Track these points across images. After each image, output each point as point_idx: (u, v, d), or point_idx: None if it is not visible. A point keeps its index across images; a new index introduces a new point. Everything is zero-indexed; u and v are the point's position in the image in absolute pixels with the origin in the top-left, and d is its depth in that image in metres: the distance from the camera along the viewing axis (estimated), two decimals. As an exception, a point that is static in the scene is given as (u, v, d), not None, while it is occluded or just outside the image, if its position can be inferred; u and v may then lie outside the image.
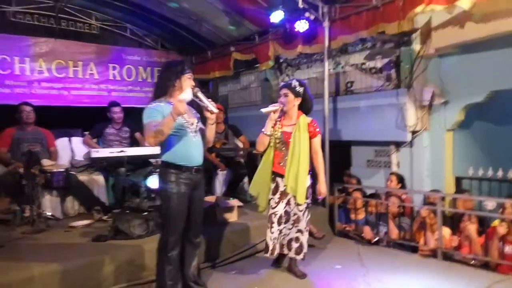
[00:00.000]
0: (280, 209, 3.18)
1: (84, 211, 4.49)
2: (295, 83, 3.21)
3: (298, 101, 3.21)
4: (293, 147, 3.14)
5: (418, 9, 3.73)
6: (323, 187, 3.28)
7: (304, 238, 3.27)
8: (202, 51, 6.99)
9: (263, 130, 3.16)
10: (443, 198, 4.09)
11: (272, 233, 3.19)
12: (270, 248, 3.20)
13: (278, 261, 3.47)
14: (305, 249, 3.28)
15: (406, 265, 3.60)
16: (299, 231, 3.24)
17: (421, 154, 4.75)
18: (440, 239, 3.69)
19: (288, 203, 3.20)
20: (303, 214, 3.23)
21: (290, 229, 3.25)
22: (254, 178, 3.33)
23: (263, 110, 3.15)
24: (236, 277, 3.38)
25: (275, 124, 3.17)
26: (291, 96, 3.17)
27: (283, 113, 3.23)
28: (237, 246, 3.79)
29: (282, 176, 3.18)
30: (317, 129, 3.25)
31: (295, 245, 3.26)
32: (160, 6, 5.91)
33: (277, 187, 3.20)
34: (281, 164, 3.19)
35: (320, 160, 3.28)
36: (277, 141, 3.18)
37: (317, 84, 5.79)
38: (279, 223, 3.19)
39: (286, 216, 3.22)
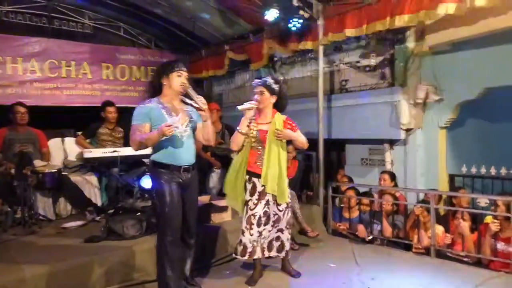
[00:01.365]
0: (259, 210, 3.09)
1: (77, 212, 4.46)
2: (270, 80, 3.14)
3: (273, 99, 3.15)
4: (270, 146, 3.07)
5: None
6: (286, 131, 3.10)
7: (285, 236, 3.22)
8: (196, 50, 6.96)
9: (238, 128, 3.09)
10: (440, 197, 4.10)
11: (252, 235, 3.09)
12: (249, 250, 3.10)
13: (252, 275, 3.25)
14: (286, 247, 3.25)
15: (400, 263, 3.61)
16: (280, 230, 3.20)
17: (415, 152, 4.76)
18: (433, 236, 3.69)
19: (267, 204, 3.12)
20: (283, 213, 3.18)
21: (270, 231, 3.18)
22: (228, 177, 3.23)
23: (239, 107, 3.08)
24: (230, 277, 3.37)
25: (250, 123, 3.11)
26: (266, 94, 3.11)
27: (257, 112, 3.16)
28: (231, 246, 3.77)
29: (258, 176, 3.09)
30: (294, 125, 3.18)
31: (276, 244, 3.23)
32: (153, 4, 5.88)
33: (254, 187, 3.10)
34: (257, 164, 3.11)
35: (303, 138, 3.18)
36: (253, 140, 3.11)
37: (311, 82, 5.79)
38: (258, 225, 3.10)
39: (265, 217, 3.13)
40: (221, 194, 4.84)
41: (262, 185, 3.09)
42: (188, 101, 2.77)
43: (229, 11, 5.65)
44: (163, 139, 2.59)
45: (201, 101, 2.73)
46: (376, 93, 4.96)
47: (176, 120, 2.62)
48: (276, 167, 3.08)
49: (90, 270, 2.94)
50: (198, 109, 2.75)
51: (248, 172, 3.13)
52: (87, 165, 4.77)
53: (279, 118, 3.16)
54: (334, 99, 5.42)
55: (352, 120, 5.14)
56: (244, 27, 5.87)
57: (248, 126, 3.11)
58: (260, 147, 3.12)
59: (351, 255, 3.80)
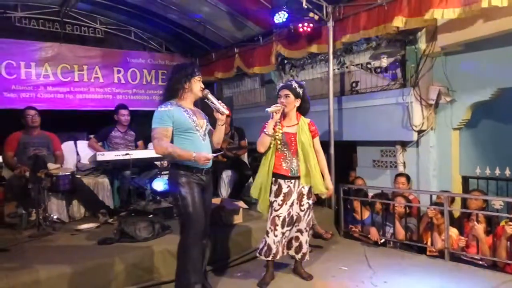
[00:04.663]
0: (284, 212, 3.14)
1: (90, 214, 4.51)
2: (295, 84, 3.22)
3: (298, 102, 3.21)
4: (303, 147, 3.14)
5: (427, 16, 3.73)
6: (330, 183, 3.32)
7: (304, 238, 3.27)
8: (206, 53, 7.00)
9: (265, 130, 3.11)
10: (453, 199, 4.04)
11: (276, 236, 3.14)
12: (274, 251, 3.15)
13: (264, 277, 3.29)
14: (304, 249, 3.28)
15: (413, 266, 3.57)
16: (299, 230, 3.26)
17: (427, 153, 4.71)
18: (447, 239, 3.65)
19: (291, 205, 3.17)
20: (305, 214, 3.23)
21: (290, 229, 3.25)
22: (256, 180, 3.29)
23: (269, 109, 3.12)
24: (241, 279, 3.37)
25: (275, 125, 3.15)
26: (292, 97, 3.17)
27: (282, 114, 3.21)
28: (242, 248, 3.78)
29: (284, 177, 3.15)
30: (315, 128, 3.29)
31: (294, 244, 3.28)
32: (164, 9, 5.93)
33: (280, 189, 3.16)
34: (283, 165, 3.16)
35: (324, 158, 3.33)
36: (279, 142, 3.15)
37: (322, 84, 5.78)
38: (282, 226, 3.15)
39: (289, 218, 3.19)
40: (232, 197, 4.89)
41: (288, 186, 3.15)
42: (211, 105, 2.81)
43: (238, 14, 5.67)
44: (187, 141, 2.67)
45: (223, 106, 2.79)
46: (387, 95, 4.93)
47: (215, 156, 2.70)
48: (315, 165, 3.16)
49: (103, 271, 2.97)
50: (221, 113, 2.79)
51: (274, 174, 3.18)
52: (100, 168, 4.83)
53: (304, 121, 3.24)
54: (345, 100, 5.39)
55: (364, 122, 5.11)
56: (254, 30, 5.88)
57: (273, 128, 3.15)
58: (285, 149, 3.17)
59: (363, 258, 3.77)
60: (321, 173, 3.24)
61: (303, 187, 3.19)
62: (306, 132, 3.19)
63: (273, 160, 3.18)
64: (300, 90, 3.21)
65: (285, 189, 3.15)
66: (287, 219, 3.17)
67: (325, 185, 3.25)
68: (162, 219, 3.85)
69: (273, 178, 3.18)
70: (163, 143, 2.64)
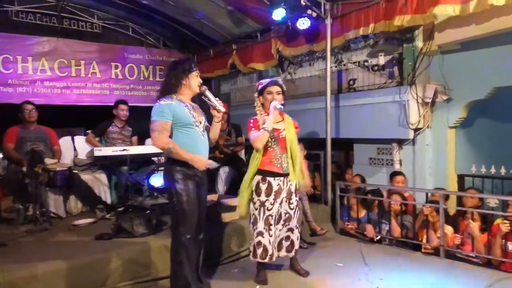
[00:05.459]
0: (275, 211, 3.10)
1: (87, 210, 4.51)
2: (281, 81, 3.23)
3: (283, 99, 3.22)
4: (291, 143, 3.14)
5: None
6: (309, 180, 3.38)
7: (295, 236, 3.26)
8: (204, 49, 6.99)
9: (264, 127, 3.04)
10: (447, 197, 4.07)
11: (271, 236, 3.09)
12: (270, 252, 3.09)
13: (260, 274, 3.23)
14: (296, 246, 3.29)
15: (409, 263, 3.59)
16: (290, 229, 3.24)
17: (423, 151, 4.74)
18: (442, 237, 3.68)
19: (281, 203, 3.13)
20: (294, 212, 3.22)
21: (280, 229, 3.22)
22: (246, 177, 3.21)
23: (281, 106, 3.10)
24: (238, 276, 3.38)
25: (263, 122, 3.10)
26: (281, 94, 3.18)
27: (266, 111, 3.18)
28: (239, 245, 3.79)
29: (274, 174, 3.09)
30: (297, 125, 3.31)
31: (285, 243, 3.26)
32: (162, 4, 5.91)
33: (270, 187, 3.07)
34: (274, 163, 3.10)
35: (301, 156, 3.40)
36: (269, 139, 3.09)
37: (319, 82, 5.79)
38: (275, 225, 3.14)
39: (278, 216, 3.16)
40: (229, 193, 4.89)
41: (278, 184, 3.09)
42: (208, 102, 2.82)
43: (236, 10, 5.66)
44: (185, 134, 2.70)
45: (220, 103, 2.80)
46: (384, 93, 4.94)
47: (215, 164, 2.69)
48: (300, 162, 3.19)
49: (100, 267, 2.97)
50: (218, 110, 2.81)
51: (262, 172, 3.09)
52: (97, 163, 4.82)
53: (288, 118, 3.25)
54: (342, 98, 5.40)
55: (360, 120, 5.12)
56: (252, 26, 5.88)
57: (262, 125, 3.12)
58: (275, 146, 3.13)
59: (359, 255, 3.80)
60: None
61: (291, 184, 3.18)
62: (293, 128, 3.20)
63: (260, 158, 3.12)
64: (284, 87, 3.25)
65: (275, 187, 3.09)
66: (276, 217, 3.15)
67: (304, 182, 3.27)
68: (159, 215, 3.86)
69: (261, 176, 3.10)
70: (163, 137, 2.64)
